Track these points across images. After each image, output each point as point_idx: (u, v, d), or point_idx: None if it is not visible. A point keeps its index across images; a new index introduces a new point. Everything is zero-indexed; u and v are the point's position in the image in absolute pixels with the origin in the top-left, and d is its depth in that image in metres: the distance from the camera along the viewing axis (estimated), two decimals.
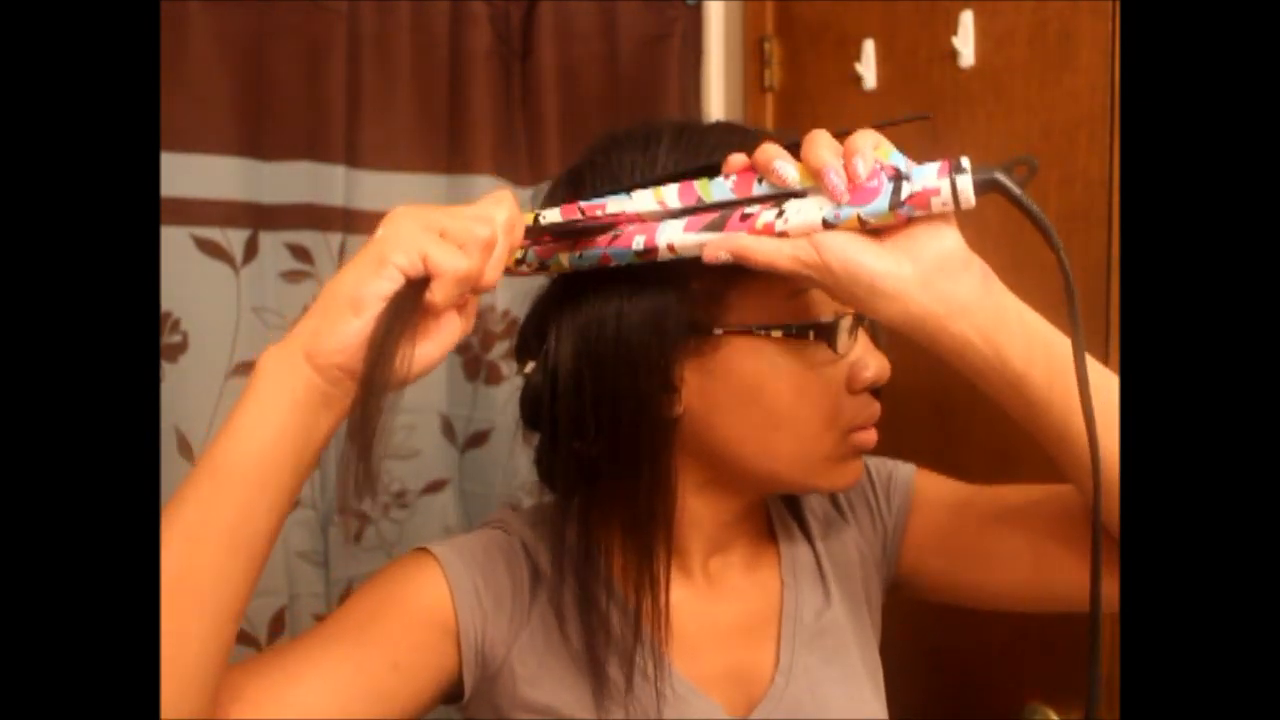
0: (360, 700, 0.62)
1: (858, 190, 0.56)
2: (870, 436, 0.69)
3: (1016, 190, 0.55)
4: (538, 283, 0.71)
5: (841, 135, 0.59)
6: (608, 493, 0.68)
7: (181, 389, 1.01)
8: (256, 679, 0.59)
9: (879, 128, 0.59)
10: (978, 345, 0.57)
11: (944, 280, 0.56)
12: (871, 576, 0.80)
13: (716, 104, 1.40)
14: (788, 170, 0.58)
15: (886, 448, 0.72)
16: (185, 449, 1.01)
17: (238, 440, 0.54)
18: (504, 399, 1.20)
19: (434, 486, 1.18)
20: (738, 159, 0.60)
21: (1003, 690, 1.04)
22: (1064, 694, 0.99)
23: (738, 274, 0.61)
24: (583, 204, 0.62)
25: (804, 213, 0.57)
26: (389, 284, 0.54)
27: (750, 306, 0.64)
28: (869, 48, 1.18)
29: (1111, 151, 0.95)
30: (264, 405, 0.55)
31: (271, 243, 1.08)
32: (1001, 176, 0.55)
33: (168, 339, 1.01)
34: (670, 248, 0.60)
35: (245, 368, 1.05)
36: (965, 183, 0.54)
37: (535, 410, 0.68)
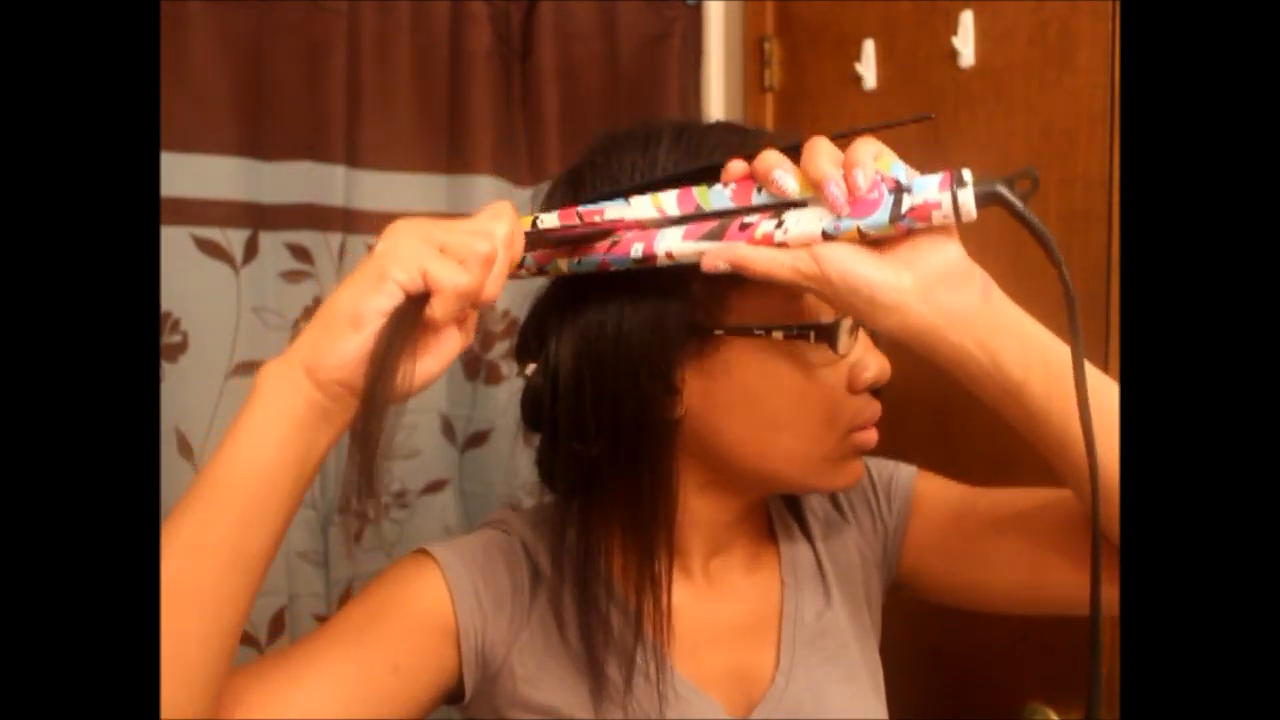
0: (361, 703, 0.62)
1: (858, 202, 0.55)
2: (871, 436, 0.69)
3: (1018, 203, 0.55)
4: (538, 283, 0.71)
5: (842, 138, 0.58)
6: (609, 494, 0.68)
7: (181, 389, 1.01)
8: (258, 683, 0.59)
9: (880, 129, 0.59)
10: (976, 356, 0.57)
11: (944, 292, 0.56)
12: (872, 577, 0.80)
13: (716, 104, 1.40)
14: (787, 181, 0.57)
15: (887, 448, 0.72)
16: (185, 449, 1.01)
17: (238, 455, 0.54)
18: (504, 399, 1.20)
19: (434, 486, 1.18)
20: (737, 167, 0.60)
21: (1003, 690, 1.04)
22: (1064, 694, 0.99)
23: (738, 276, 0.61)
24: (581, 209, 0.62)
25: (803, 223, 0.57)
26: (389, 300, 0.54)
27: (751, 308, 0.64)
28: (869, 48, 1.18)
29: (1111, 151, 0.95)
30: (264, 420, 0.55)
31: (271, 243, 1.08)
32: (1003, 189, 0.55)
33: (168, 339, 1.01)
34: (669, 255, 0.60)
35: (245, 368, 1.05)
36: (966, 196, 0.54)
37: (536, 411, 0.68)
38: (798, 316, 0.65)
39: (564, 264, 0.64)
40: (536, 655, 0.68)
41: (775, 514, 0.78)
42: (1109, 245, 0.95)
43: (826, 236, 0.56)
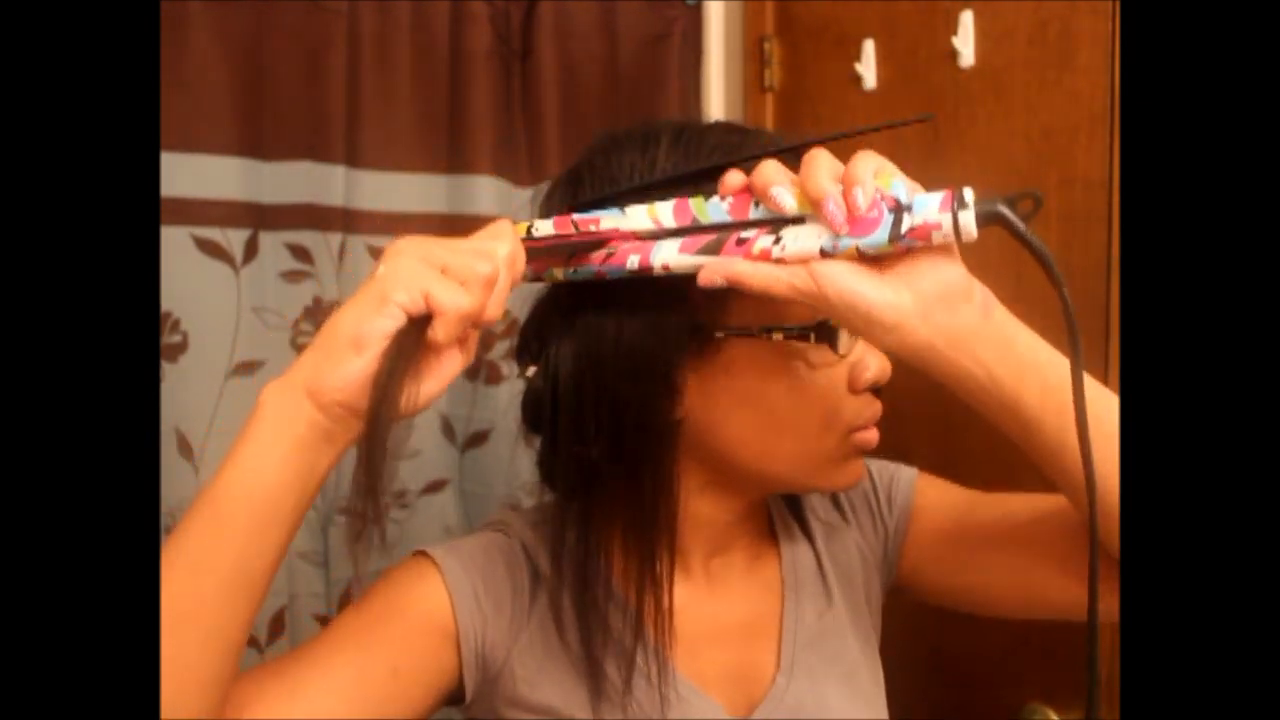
0: (362, 707, 0.62)
1: (857, 221, 0.54)
2: (872, 436, 0.69)
3: (1020, 224, 0.54)
4: (538, 285, 0.71)
5: (842, 138, 0.58)
6: (610, 495, 0.68)
7: (181, 389, 1.01)
8: (259, 691, 0.59)
9: (880, 129, 0.59)
10: (976, 375, 0.57)
11: (943, 311, 0.56)
12: (872, 578, 0.80)
13: (716, 104, 1.40)
14: (785, 198, 0.56)
15: (888, 448, 0.72)
16: (185, 449, 1.01)
17: (239, 475, 0.54)
18: (504, 399, 1.20)
19: (434, 486, 1.18)
20: (734, 180, 0.59)
21: (1003, 690, 1.04)
22: (1064, 694, 1.00)
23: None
24: (576, 218, 0.62)
25: (801, 240, 0.56)
26: (391, 322, 0.54)
27: (751, 309, 0.64)
28: (869, 48, 1.18)
29: (1111, 151, 0.95)
30: (266, 441, 0.55)
31: (271, 243, 1.08)
32: (1005, 210, 0.54)
33: (168, 339, 1.01)
34: (665, 268, 0.60)
35: (245, 368, 1.05)
36: (967, 218, 0.53)
37: (537, 413, 0.68)
38: (798, 317, 0.64)
39: (559, 273, 0.63)
40: (537, 657, 0.68)
41: (776, 514, 0.78)
42: (1109, 246, 0.95)
43: (824, 254, 0.56)
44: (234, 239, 1.05)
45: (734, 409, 0.66)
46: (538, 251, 0.62)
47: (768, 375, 0.65)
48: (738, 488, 0.71)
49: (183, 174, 1.01)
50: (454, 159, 1.18)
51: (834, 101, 1.24)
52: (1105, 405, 0.57)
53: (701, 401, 0.66)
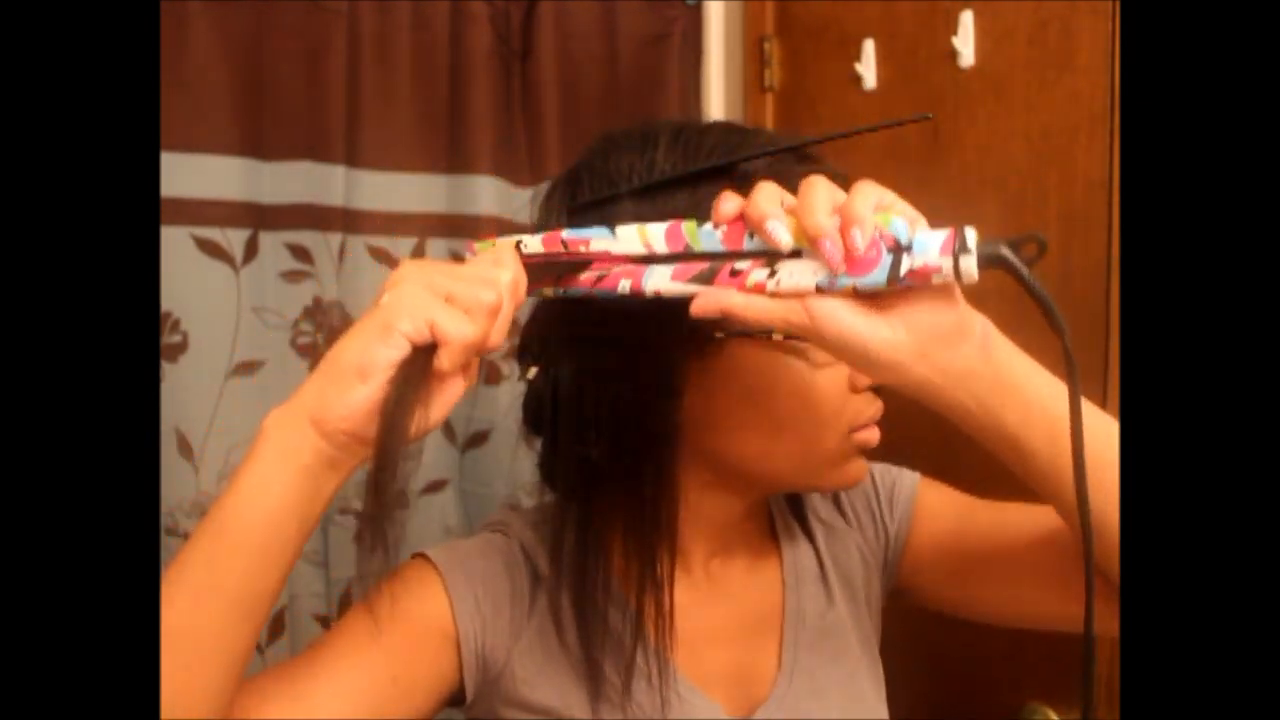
0: (365, 712, 0.62)
1: (855, 262, 0.52)
2: (873, 435, 0.69)
3: (1023, 269, 0.52)
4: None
5: (841, 138, 0.57)
6: (610, 495, 0.67)
7: (181, 389, 1.01)
8: (261, 701, 0.59)
9: (880, 129, 0.58)
10: (975, 413, 0.56)
11: (942, 350, 0.54)
12: (873, 580, 0.80)
13: (716, 104, 1.40)
14: (781, 234, 0.54)
15: (888, 447, 0.72)
16: (185, 449, 1.00)
17: (243, 501, 0.54)
18: (504, 399, 1.20)
19: (434, 486, 1.18)
20: (729, 208, 0.56)
21: (1003, 691, 1.04)
22: (1063, 694, 0.99)
23: None
24: (566, 236, 0.60)
25: (797, 276, 0.54)
26: (396, 351, 0.53)
27: None
28: (869, 48, 1.18)
29: (1111, 152, 0.95)
30: (269, 469, 0.55)
31: (271, 243, 1.08)
32: (1007, 253, 0.52)
33: (168, 339, 1.01)
34: (657, 294, 0.58)
35: (245, 368, 1.05)
36: (969, 262, 0.52)
37: (538, 415, 0.68)
38: None
39: (549, 292, 0.62)
40: (537, 658, 0.68)
41: (777, 515, 0.78)
42: (1109, 246, 0.95)
43: (820, 290, 0.54)
44: (234, 239, 1.05)
45: (734, 409, 0.66)
46: (526, 269, 0.60)
47: (768, 375, 0.65)
48: (739, 488, 0.71)
49: (183, 174, 1.01)
50: (454, 159, 1.18)
51: (834, 101, 1.24)
52: (1105, 432, 0.57)
53: (702, 402, 0.66)
